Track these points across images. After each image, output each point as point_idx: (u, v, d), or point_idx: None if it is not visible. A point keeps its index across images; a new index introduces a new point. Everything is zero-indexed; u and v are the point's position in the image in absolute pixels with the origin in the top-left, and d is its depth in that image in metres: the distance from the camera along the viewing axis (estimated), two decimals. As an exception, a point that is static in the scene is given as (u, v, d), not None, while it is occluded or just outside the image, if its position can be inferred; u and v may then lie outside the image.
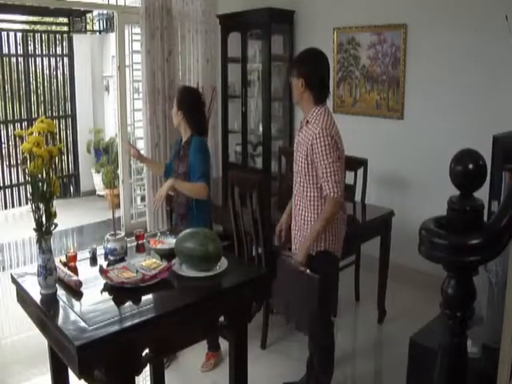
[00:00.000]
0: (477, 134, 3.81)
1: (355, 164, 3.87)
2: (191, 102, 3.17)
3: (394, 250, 3.80)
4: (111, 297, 2.03)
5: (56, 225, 2.05)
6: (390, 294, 3.85)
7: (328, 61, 2.71)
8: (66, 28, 8.26)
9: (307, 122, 2.64)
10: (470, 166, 1.17)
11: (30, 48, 7.29)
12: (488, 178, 1.24)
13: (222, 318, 2.20)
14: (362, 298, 4.16)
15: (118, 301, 2.00)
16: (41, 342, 2.39)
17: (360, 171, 3.94)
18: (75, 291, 2.05)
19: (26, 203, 6.61)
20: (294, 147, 2.78)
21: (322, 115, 2.59)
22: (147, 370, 2.74)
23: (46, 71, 7.55)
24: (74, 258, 2.32)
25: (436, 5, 4.13)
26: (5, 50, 6.89)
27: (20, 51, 7.17)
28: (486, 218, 1.28)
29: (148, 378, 2.88)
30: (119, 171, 5.82)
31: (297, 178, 2.73)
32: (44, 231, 2.01)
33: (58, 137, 7.30)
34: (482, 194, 1.32)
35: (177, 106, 3.15)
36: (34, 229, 2.01)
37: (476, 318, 1.40)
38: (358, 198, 3.92)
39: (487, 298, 1.92)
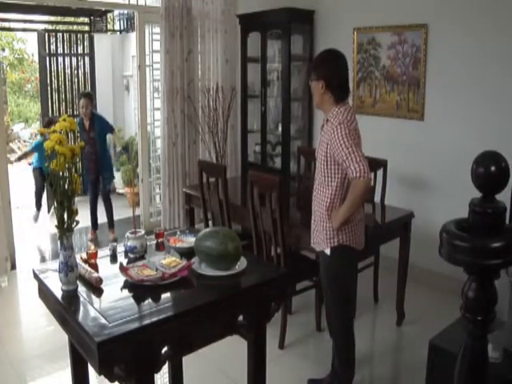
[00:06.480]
0: (500, 135, 3.77)
1: (375, 165, 3.84)
2: None
3: (414, 251, 3.77)
4: (131, 294, 2.05)
5: (77, 222, 2.08)
6: (409, 297, 3.82)
7: (346, 60, 2.73)
8: (87, 27, 8.38)
9: (327, 120, 2.67)
10: (493, 168, 1.16)
11: (52, 47, 7.38)
12: (511, 180, 1.22)
13: (240, 318, 2.21)
14: (380, 300, 4.14)
15: (138, 298, 2.01)
16: (61, 337, 2.42)
17: (380, 172, 3.92)
18: (96, 288, 2.07)
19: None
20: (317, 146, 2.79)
21: (341, 113, 2.60)
22: (166, 367, 2.75)
23: (68, 70, 7.64)
24: (94, 256, 2.35)
25: (457, 5, 4.07)
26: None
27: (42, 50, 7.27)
28: (508, 221, 1.27)
29: (166, 376, 2.90)
30: (139, 170, 5.87)
31: (316, 174, 2.76)
32: (66, 228, 2.03)
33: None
34: (505, 196, 1.30)
35: None
36: (56, 226, 2.04)
37: (497, 323, 1.39)
38: (377, 199, 3.90)
39: (509, 302, 1.90)
